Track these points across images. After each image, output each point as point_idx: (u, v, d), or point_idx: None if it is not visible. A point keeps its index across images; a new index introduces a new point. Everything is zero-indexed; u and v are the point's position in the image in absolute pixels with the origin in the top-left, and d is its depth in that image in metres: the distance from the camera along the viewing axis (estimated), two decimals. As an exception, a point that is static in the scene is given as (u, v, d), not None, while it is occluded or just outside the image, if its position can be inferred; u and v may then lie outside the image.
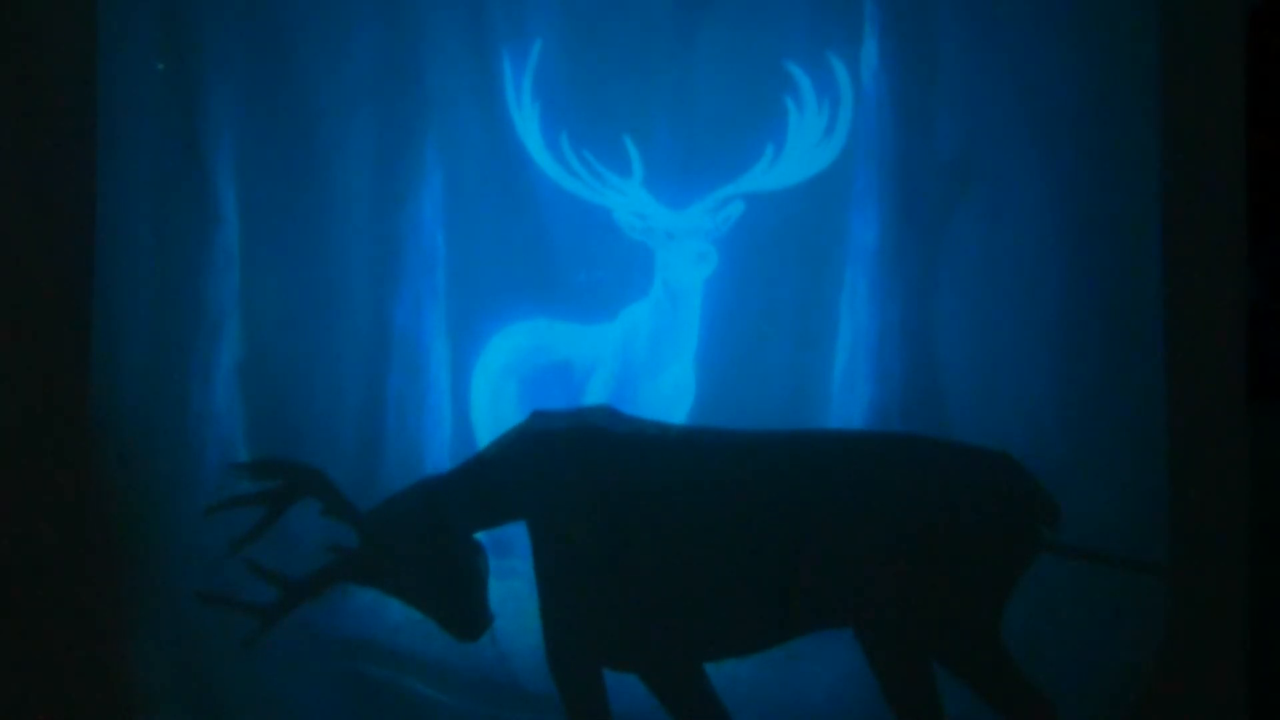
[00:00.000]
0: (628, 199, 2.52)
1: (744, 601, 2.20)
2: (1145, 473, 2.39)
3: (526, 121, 2.52)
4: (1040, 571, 2.23)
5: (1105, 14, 2.47)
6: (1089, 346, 2.46)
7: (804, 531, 2.18)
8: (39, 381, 2.42)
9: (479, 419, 2.59)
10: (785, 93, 2.50)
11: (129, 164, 2.46)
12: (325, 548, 2.22)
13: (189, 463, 2.46)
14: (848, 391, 2.51)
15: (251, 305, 2.52)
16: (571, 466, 2.28)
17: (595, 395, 2.56)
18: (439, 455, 2.49)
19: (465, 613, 2.29)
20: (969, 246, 2.50)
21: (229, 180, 2.51)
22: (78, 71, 2.40)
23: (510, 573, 2.31)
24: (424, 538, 2.28)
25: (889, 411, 2.51)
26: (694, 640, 2.22)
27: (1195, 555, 2.35)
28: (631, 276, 2.55)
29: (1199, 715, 2.36)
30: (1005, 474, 2.17)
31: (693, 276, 2.54)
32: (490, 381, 2.61)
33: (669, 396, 2.58)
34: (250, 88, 2.52)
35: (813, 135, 2.50)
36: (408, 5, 2.53)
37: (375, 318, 2.55)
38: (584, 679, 2.23)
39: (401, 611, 2.36)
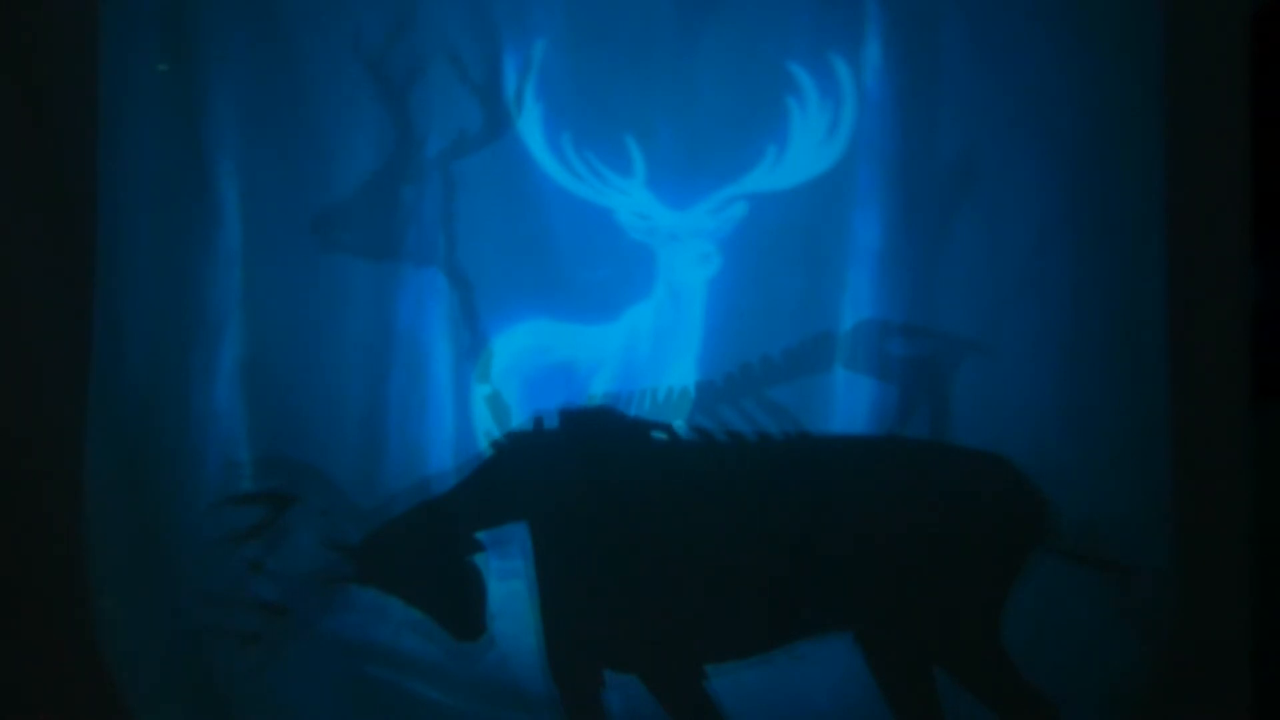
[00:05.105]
0: (630, 199, 2.51)
1: (744, 604, 2.20)
2: (1148, 474, 2.39)
3: (529, 122, 2.52)
4: (1041, 574, 2.23)
5: (1108, 14, 2.46)
6: (1092, 348, 2.45)
7: (804, 534, 2.18)
8: (39, 382, 2.42)
9: (481, 419, 2.59)
10: (788, 93, 2.49)
11: (130, 164, 2.45)
12: (326, 546, 2.23)
13: (190, 462, 2.46)
14: (849, 393, 2.50)
15: (253, 305, 2.51)
16: (573, 467, 2.28)
17: (597, 396, 2.55)
18: (441, 456, 2.49)
19: (466, 613, 2.29)
20: (971, 247, 2.49)
21: (231, 180, 2.51)
22: (79, 72, 2.41)
23: (510, 573, 2.30)
24: (425, 538, 2.28)
25: (890, 413, 2.50)
26: (694, 643, 2.22)
27: (1199, 557, 2.35)
28: (634, 277, 2.55)
29: (1202, 718, 2.36)
30: (1001, 477, 2.17)
31: (695, 277, 2.54)
32: (492, 382, 2.60)
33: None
34: (252, 88, 2.52)
35: (815, 135, 2.50)
36: (410, 5, 2.53)
37: (377, 318, 2.54)
38: (584, 680, 2.23)
39: (403, 612, 2.36)
